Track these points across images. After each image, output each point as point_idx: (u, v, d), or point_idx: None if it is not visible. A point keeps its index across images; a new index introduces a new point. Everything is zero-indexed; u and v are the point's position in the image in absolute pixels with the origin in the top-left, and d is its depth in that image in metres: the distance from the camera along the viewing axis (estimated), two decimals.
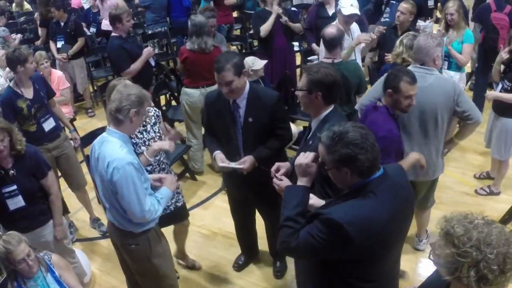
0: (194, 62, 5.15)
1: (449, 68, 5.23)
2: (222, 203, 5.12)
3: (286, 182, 2.53)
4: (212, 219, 4.95)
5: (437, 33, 4.77)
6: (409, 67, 3.59)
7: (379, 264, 2.17)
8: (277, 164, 2.77)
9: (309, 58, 6.80)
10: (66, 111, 6.04)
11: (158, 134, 3.60)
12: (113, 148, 2.75)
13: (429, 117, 3.49)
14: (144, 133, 3.50)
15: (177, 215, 3.82)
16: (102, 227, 4.87)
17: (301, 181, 2.31)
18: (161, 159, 3.65)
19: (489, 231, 1.65)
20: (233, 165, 3.36)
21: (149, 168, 3.47)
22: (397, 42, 4.27)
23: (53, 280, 3.12)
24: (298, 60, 7.29)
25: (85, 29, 8.07)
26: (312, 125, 2.88)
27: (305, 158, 2.30)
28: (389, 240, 2.13)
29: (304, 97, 2.79)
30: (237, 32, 9.16)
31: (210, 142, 3.62)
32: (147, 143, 3.48)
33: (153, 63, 5.66)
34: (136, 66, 5.27)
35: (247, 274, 4.22)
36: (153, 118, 3.60)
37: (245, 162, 3.33)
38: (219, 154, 3.45)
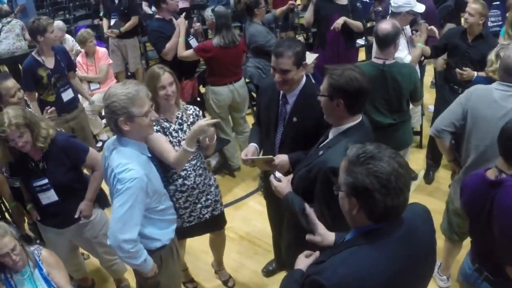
0: (222, 58, 4.78)
1: None
2: (256, 204, 4.84)
3: (286, 186, 2.60)
4: (242, 222, 4.64)
5: None
6: (494, 84, 3.02)
7: None
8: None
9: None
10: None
11: None
12: (122, 158, 2.46)
13: None
14: (179, 132, 3.15)
15: (212, 224, 3.54)
16: None
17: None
18: (198, 163, 3.28)
19: None
20: (258, 157, 3.03)
21: (183, 174, 3.19)
22: (492, 56, 3.54)
23: (40, 277, 2.92)
24: (362, 55, 6.75)
25: (146, 7, 7.93)
26: (330, 133, 2.50)
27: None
28: None
29: (325, 103, 2.40)
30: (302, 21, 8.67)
31: (253, 133, 3.36)
32: (182, 143, 3.11)
33: (193, 45, 5.13)
34: (171, 44, 4.91)
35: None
36: (191, 117, 3.22)
37: (278, 158, 2.97)
38: (250, 147, 3.17)
